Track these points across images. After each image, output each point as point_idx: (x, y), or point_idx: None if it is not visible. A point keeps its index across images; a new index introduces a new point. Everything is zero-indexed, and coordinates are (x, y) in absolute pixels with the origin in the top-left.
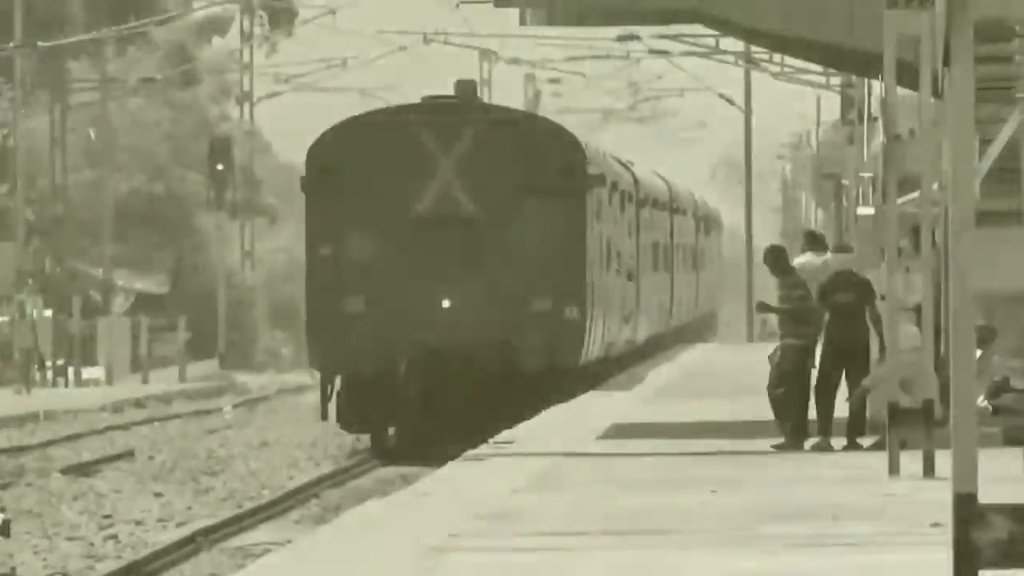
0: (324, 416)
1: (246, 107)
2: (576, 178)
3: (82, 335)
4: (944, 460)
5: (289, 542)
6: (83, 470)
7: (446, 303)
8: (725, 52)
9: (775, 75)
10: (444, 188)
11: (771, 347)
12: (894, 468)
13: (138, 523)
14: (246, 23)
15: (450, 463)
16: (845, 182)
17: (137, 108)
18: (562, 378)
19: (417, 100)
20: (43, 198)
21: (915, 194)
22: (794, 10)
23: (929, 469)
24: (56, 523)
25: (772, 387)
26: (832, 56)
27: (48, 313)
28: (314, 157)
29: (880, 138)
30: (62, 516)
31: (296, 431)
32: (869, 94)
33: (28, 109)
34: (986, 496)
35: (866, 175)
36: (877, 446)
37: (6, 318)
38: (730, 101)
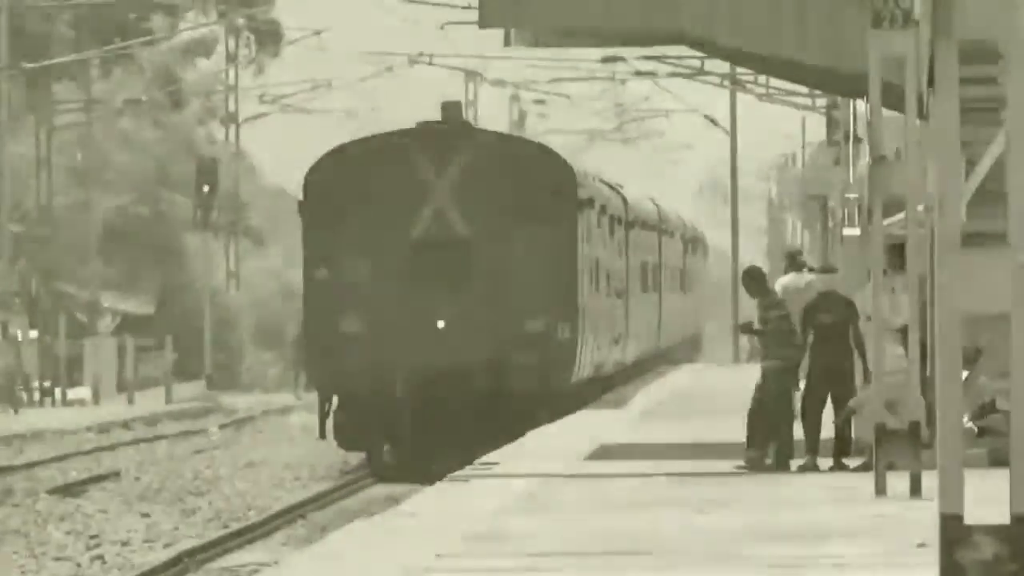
0: (322, 435)
1: (232, 128)
2: (567, 201)
3: (68, 356)
4: (931, 481)
5: (276, 563)
6: (70, 491)
7: (441, 324)
8: (710, 73)
9: (760, 97)
10: (438, 211)
11: (757, 368)
12: (881, 489)
13: (124, 544)
14: (231, 44)
15: (436, 484)
16: (831, 203)
17: (123, 129)
18: (554, 397)
19: (402, 121)
20: (29, 219)
21: (901, 215)
22: (779, 31)
23: (916, 490)
24: (43, 543)
25: (753, 410)
26: (817, 77)
27: (34, 334)
28: (311, 181)
29: (865, 159)
30: (49, 536)
31: (282, 452)
32: (854, 115)
33: (14, 131)
34: (972, 517)
35: (852, 196)
36: (864, 467)
37: None
38: (715, 122)
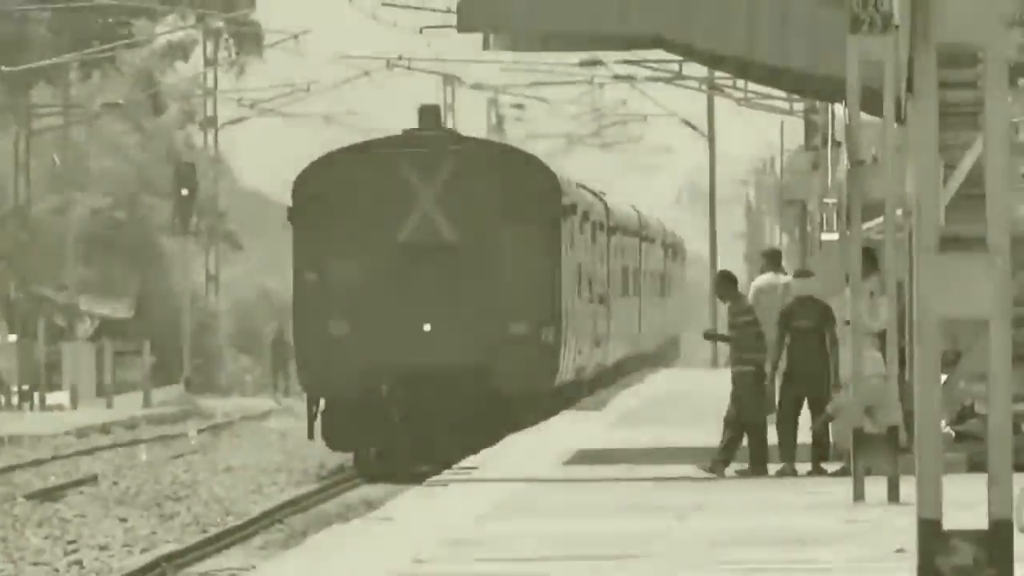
0: (311, 435)
1: (210, 132)
2: (551, 207)
3: (47, 360)
4: (909, 486)
5: (254, 567)
6: (48, 495)
7: (427, 327)
8: (688, 78)
9: (738, 101)
10: (425, 217)
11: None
12: (859, 494)
13: (103, 548)
14: (209, 48)
15: (415, 488)
16: (809, 208)
17: (102, 133)
18: (538, 399)
19: (381, 125)
20: (7, 223)
21: (879, 220)
22: (757, 36)
23: (894, 495)
24: (21, 548)
25: (729, 416)
26: (796, 82)
27: (12, 338)
28: (300, 187)
29: (844, 164)
30: (27, 541)
31: (261, 456)
32: (833, 120)
33: None
34: (950, 522)
35: (830, 201)
36: (842, 472)
37: None
38: (693, 127)
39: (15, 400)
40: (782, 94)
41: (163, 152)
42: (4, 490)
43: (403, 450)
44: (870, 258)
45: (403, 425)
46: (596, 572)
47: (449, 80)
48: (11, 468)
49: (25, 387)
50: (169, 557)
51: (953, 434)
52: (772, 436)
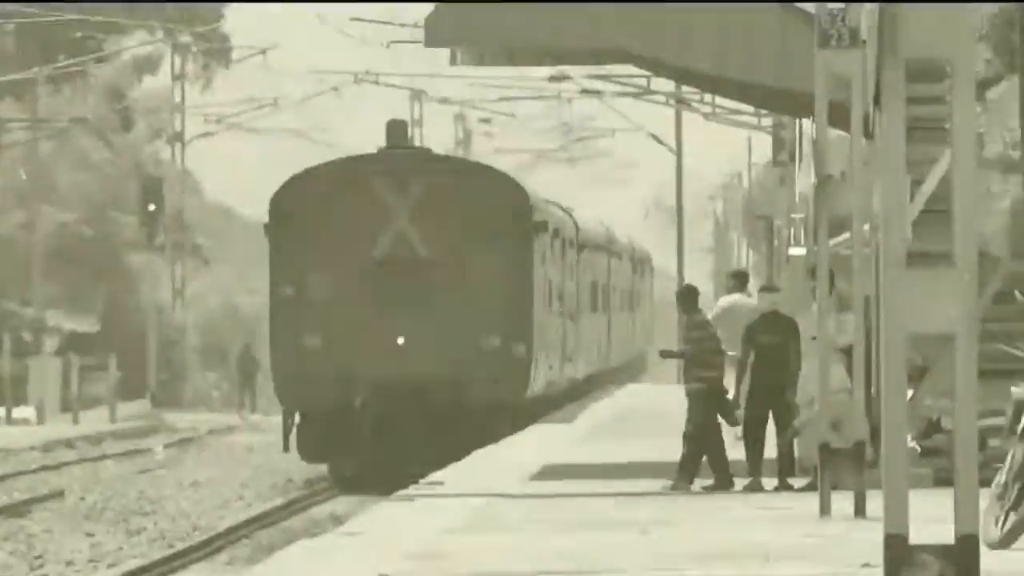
0: (286, 447)
1: (177, 147)
2: (523, 224)
3: (12, 375)
4: (875, 501)
5: None
6: (13, 510)
7: (400, 340)
8: (656, 92)
9: (706, 116)
10: (399, 233)
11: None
12: (825, 509)
13: (69, 563)
14: (177, 62)
15: (381, 503)
16: (777, 223)
17: (68, 148)
18: (509, 412)
19: (348, 139)
20: None
21: (847, 235)
22: (725, 50)
23: (860, 510)
24: None
25: (687, 432)
26: (763, 96)
27: None
28: (277, 203)
29: (811, 179)
30: None
31: (227, 471)
32: (800, 135)
33: None
34: (917, 537)
35: (797, 216)
36: (809, 487)
37: None
38: (661, 142)
39: None
40: (750, 109)
41: (130, 167)
42: None
43: (377, 462)
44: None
45: (377, 437)
46: None
47: (416, 95)
48: None
49: None
50: (135, 572)
51: (918, 449)
52: (737, 451)
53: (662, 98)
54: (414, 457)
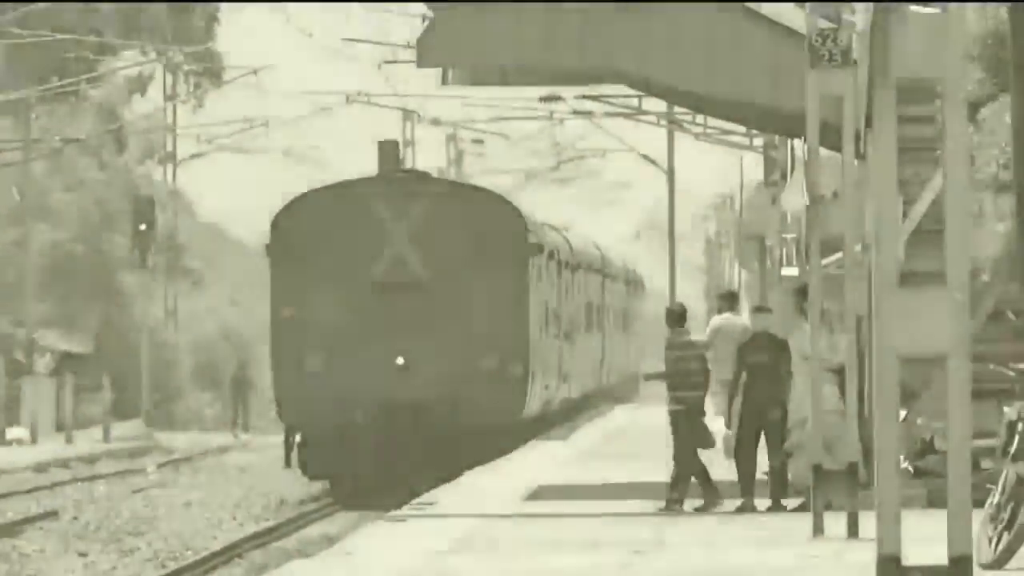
0: (288, 464)
1: (169, 167)
2: (519, 247)
3: (6, 395)
4: (869, 521)
5: None
6: (7, 530)
7: (400, 361)
8: (648, 113)
9: (697, 136)
10: (398, 255)
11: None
12: (818, 529)
13: None
14: (169, 82)
15: (374, 524)
16: (769, 243)
17: (61, 167)
18: (506, 431)
19: (340, 160)
20: None
21: (839, 255)
22: (716, 71)
23: (853, 531)
24: None
25: (675, 456)
26: (755, 117)
27: None
28: (278, 226)
29: (803, 199)
30: None
31: (220, 491)
32: (792, 155)
33: None
34: (910, 558)
35: (789, 236)
36: (801, 507)
37: None
38: (652, 162)
39: None
40: (741, 129)
41: (123, 187)
42: None
43: (377, 479)
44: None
45: (377, 455)
46: None
47: (408, 115)
48: None
49: None
50: None
51: (911, 469)
52: (724, 470)
53: (654, 118)
54: (413, 475)
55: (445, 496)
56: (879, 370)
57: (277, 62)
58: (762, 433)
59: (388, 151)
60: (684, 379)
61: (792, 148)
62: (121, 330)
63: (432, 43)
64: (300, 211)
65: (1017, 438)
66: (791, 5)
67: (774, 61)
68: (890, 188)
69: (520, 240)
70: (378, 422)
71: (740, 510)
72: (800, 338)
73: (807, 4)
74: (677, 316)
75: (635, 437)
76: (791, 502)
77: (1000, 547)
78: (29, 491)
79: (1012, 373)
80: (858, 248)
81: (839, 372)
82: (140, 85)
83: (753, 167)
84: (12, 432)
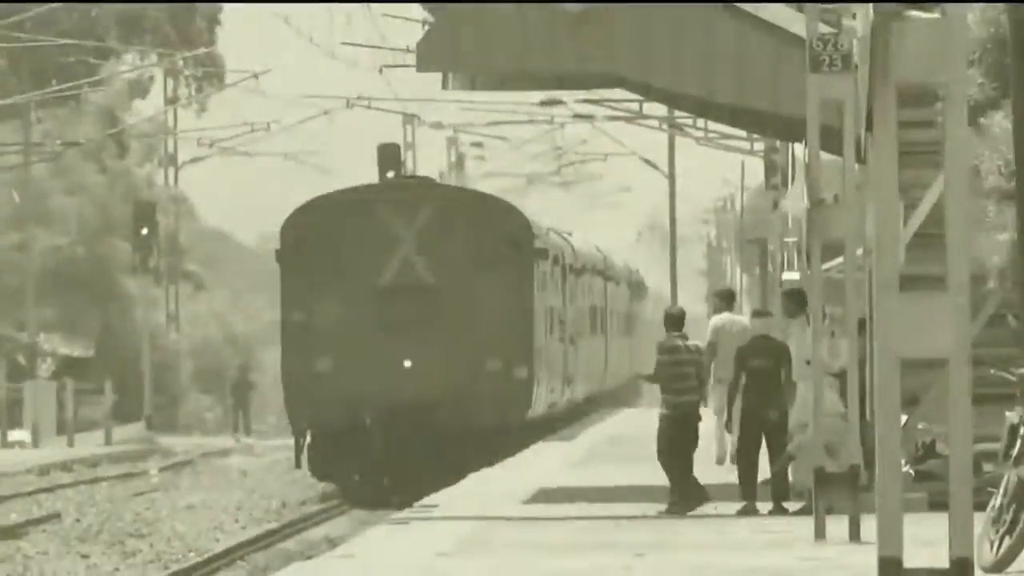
0: (298, 465)
1: (171, 171)
2: (524, 252)
3: (8, 398)
4: (870, 525)
5: None
6: (9, 532)
7: (407, 363)
8: (648, 117)
9: (699, 140)
10: (405, 260)
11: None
12: (820, 532)
13: None
14: (170, 86)
15: (377, 526)
16: (770, 247)
17: (62, 171)
18: (511, 432)
19: (341, 164)
20: None
21: (840, 259)
22: (716, 75)
23: (855, 534)
24: None
25: (658, 454)
26: (755, 121)
27: None
28: (287, 232)
29: (804, 202)
30: None
31: (222, 494)
32: (793, 159)
33: None
34: (911, 560)
35: (791, 240)
36: (803, 511)
37: None
38: (653, 166)
39: None
40: (742, 133)
41: (124, 191)
42: None
43: (385, 480)
44: (800, 298)
45: (384, 456)
46: None
47: (409, 119)
48: None
49: None
50: None
51: (912, 473)
52: (731, 474)
53: (654, 122)
54: (420, 476)
55: (447, 499)
56: (880, 374)
57: (278, 66)
58: (763, 436)
59: (389, 154)
60: (674, 383)
61: (793, 152)
62: (122, 334)
63: (432, 47)
64: (309, 217)
65: (1019, 442)
66: (792, 10)
67: (774, 65)
68: (891, 192)
69: (525, 245)
70: (386, 423)
71: (742, 513)
72: (793, 339)
73: (806, 7)
74: (674, 319)
75: (638, 440)
76: (793, 505)
77: (1001, 550)
78: (31, 493)
79: (1013, 377)
80: (859, 252)
81: (841, 376)
82: (141, 89)
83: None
84: (14, 435)
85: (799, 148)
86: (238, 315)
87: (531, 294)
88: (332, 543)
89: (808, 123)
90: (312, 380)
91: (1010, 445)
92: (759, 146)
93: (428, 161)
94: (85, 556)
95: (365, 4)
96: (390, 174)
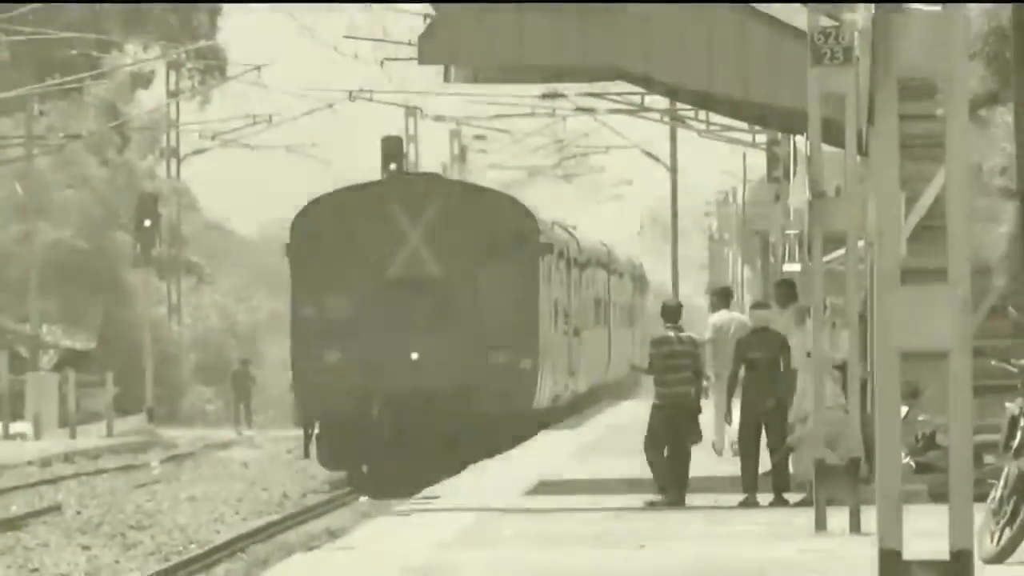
0: (307, 455)
1: (173, 163)
2: (529, 245)
3: (10, 390)
4: (870, 516)
5: None
6: (11, 524)
7: (414, 355)
8: (650, 109)
9: (700, 133)
10: (412, 253)
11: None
12: (821, 524)
13: None
14: (172, 79)
15: (377, 518)
16: (771, 239)
17: (64, 164)
18: (516, 422)
19: (343, 156)
20: None
21: (841, 251)
22: (717, 68)
23: (855, 525)
24: None
25: (644, 445)
26: (757, 114)
27: None
28: (298, 226)
29: (806, 195)
30: None
31: (223, 486)
32: (795, 151)
33: None
34: (911, 552)
35: (792, 232)
36: (804, 502)
37: None
38: (655, 158)
39: None
40: (744, 125)
41: (126, 183)
42: None
43: (392, 469)
44: (790, 288)
45: (392, 446)
46: None
47: (411, 111)
48: None
49: None
50: None
51: (912, 465)
52: (730, 466)
53: (656, 115)
54: (427, 465)
55: (449, 490)
56: (881, 366)
57: (279, 59)
58: (763, 428)
59: (391, 147)
60: (665, 375)
61: (795, 144)
62: (124, 326)
63: (433, 40)
64: (318, 212)
65: (1019, 433)
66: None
67: (775, 58)
68: (892, 185)
69: (531, 239)
70: (393, 414)
71: (743, 505)
72: (802, 334)
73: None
74: (669, 312)
75: (639, 431)
76: (793, 497)
77: (1002, 542)
78: (32, 485)
79: (1014, 368)
80: (860, 244)
81: (841, 368)
82: (143, 81)
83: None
84: (16, 427)
85: (801, 141)
86: (240, 307)
87: (536, 287)
88: (333, 535)
89: (810, 116)
90: (322, 372)
91: (1010, 436)
92: (761, 138)
93: (430, 154)
94: (86, 548)
95: (366, 4)
96: (392, 166)
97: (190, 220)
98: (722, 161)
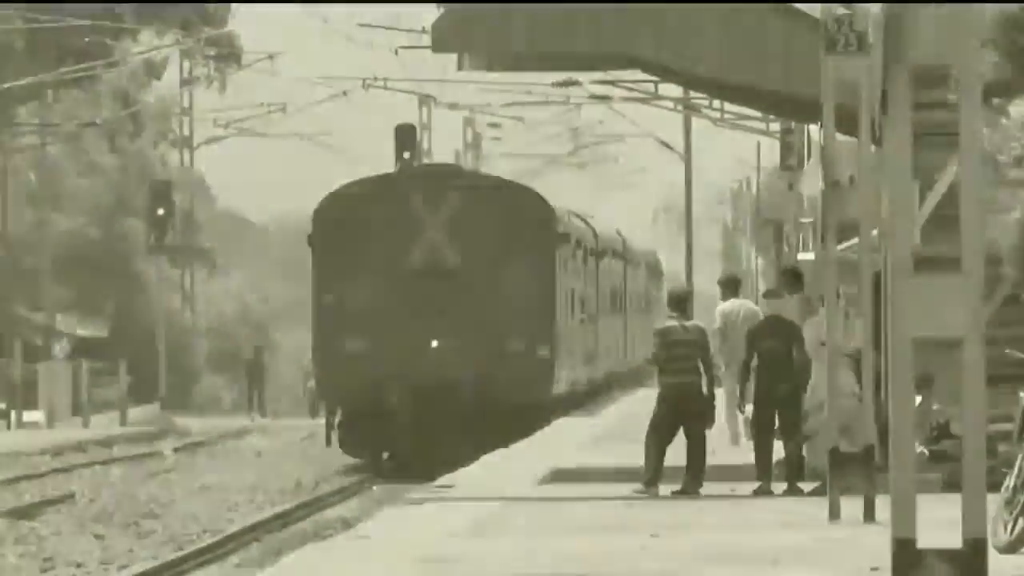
0: (328, 443)
1: (186, 152)
2: (547, 236)
3: (23, 379)
4: (884, 505)
5: None
6: (24, 513)
7: (434, 344)
8: (664, 98)
9: (715, 121)
10: (432, 244)
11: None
12: (834, 513)
13: (79, 565)
14: (186, 66)
15: (391, 507)
16: (785, 228)
17: (77, 152)
18: (535, 410)
19: (357, 144)
20: None
21: (855, 240)
22: (731, 56)
23: (869, 514)
24: None
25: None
26: (771, 102)
27: None
28: (319, 217)
29: (819, 184)
30: (3, 559)
31: (236, 474)
32: (808, 140)
33: None
34: (925, 541)
35: (806, 221)
36: (818, 491)
37: None
38: (669, 147)
39: None
40: (758, 114)
41: (139, 171)
42: None
43: (412, 454)
44: (796, 277)
45: (412, 433)
46: None
47: (425, 100)
48: None
49: (2, 405)
50: (145, 574)
51: (926, 453)
52: (744, 454)
53: (670, 103)
54: (446, 452)
55: (463, 479)
56: (894, 355)
57: (293, 48)
58: (776, 417)
59: (405, 135)
60: (669, 364)
61: (808, 133)
62: (138, 314)
63: (447, 28)
64: (340, 203)
65: None
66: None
67: (790, 47)
68: (905, 174)
69: (548, 230)
70: (413, 401)
71: (757, 493)
72: (813, 322)
73: None
74: (674, 300)
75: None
76: (807, 485)
77: (1015, 531)
78: (46, 474)
79: None
80: (874, 233)
81: (855, 356)
82: (156, 69)
83: (770, 152)
84: (29, 416)
85: (815, 129)
86: (253, 296)
87: (553, 277)
88: (347, 524)
89: (823, 105)
90: (343, 361)
91: None
92: (775, 127)
93: (444, 142)
94: (100, 536)
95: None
96: (406, 155)
97: (204, 208)
98: (736, 150)
